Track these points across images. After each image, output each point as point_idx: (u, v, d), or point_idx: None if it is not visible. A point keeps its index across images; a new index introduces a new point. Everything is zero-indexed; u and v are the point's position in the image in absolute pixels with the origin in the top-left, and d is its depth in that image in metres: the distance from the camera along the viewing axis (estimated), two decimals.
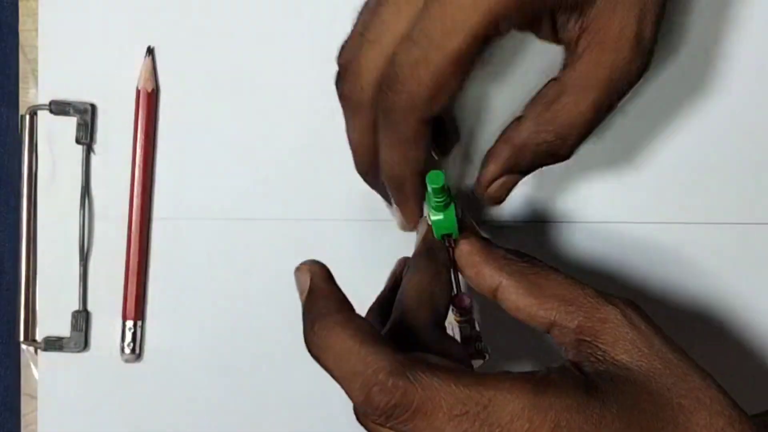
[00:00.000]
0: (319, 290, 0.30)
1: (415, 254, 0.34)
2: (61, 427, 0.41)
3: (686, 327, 0.41)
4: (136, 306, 0.40)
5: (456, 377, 0.27)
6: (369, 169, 0.34)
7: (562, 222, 0.40)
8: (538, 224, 0.40)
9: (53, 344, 0.40)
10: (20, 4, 0.41)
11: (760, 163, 0.40)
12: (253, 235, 0.41)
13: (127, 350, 0.40)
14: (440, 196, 0.32)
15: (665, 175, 0.40)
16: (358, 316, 0.29)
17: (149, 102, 0.40)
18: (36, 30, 0.40)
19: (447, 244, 0.33)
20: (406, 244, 0.41)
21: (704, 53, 0.39)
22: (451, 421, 0.26)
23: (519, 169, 0.33)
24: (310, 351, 0.29)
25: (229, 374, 0.41)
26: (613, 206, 0.40)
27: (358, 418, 0.29)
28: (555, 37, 0.33)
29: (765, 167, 0.40)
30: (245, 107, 0.40)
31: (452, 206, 0.33)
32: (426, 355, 0.28)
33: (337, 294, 0.30)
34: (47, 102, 0.40)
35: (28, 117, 0.40)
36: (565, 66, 0.32)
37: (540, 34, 0.33)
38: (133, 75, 0.40)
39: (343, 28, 0.40)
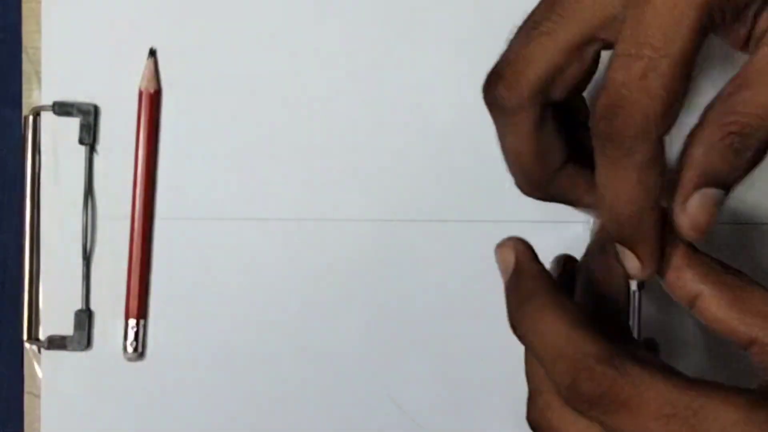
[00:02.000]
0: (527, 269, 0.29)
1: (587, 252, 0.31)
2: (65, 426, 0.41)
3: (683, 327, 0.41)
4: (139, 305, 0.40)
5: (666, 376, 0.26)
6: (538, 185, 0.31)
7: (562, 222, 0.40)
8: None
9: (56, 343, 0.40)
10: (23, 5, 0.41)
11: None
12: (256, 235, 0.41)
13: (130, 349, 0.40)
14: None
15: None
16: (569, 298, 0.28)
17: (152, 103, 0.40)
18: (39, 31, 0.41)
19: None
20: (406, 243, 0.41)
21: None
22: (657, 420, 0.25)
23: (717, 180, 0.28)
24: (515, 331, 0.28)
25: (231, 373, 0.41)
26: None
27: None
28: (747, 42, 0.28)
29: (763, 167, 0.40)
30: (248, 108, 0.41)
31: None
32: (635, 348, 0.27)
33: (545, 273, 0.29)
34: (50, 103, 0.40)
35: (31, 118, 0.41)
36: (747, 61, 0.28)
37: (736, 35, 0.28)
38: (136, 76, 0.40)
39: (344, 27, 0.40)
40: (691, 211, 0.28)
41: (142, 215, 0.40)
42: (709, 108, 0.28)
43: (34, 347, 0.41)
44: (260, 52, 0.41)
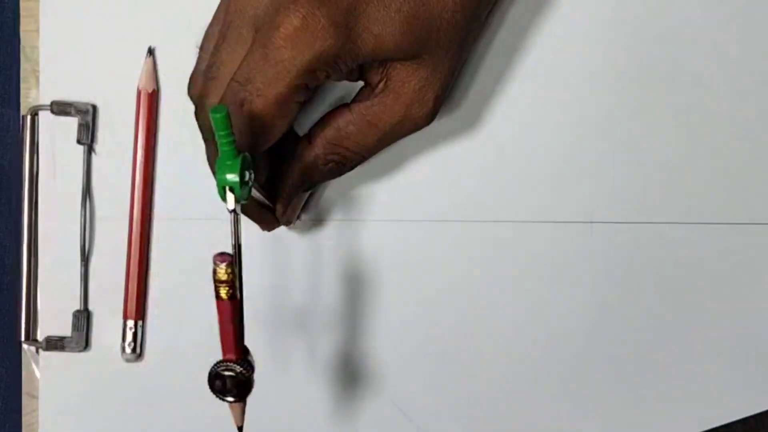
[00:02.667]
0: None
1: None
2: (62, 427, 0.41)
3: (685, 327, 0.41)
4: (137, 305, 0.40)
5: None
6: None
7: (562, 222, 0.40)
8: (547, 224, 0.41)
9: (54, 344, 0.40)
10: (21, 4, 0.41)
11: (758, 162, 0.40)
12: (254, 235, 0.41)
13: (128, 350, 0.40)
14: (224, 130, 0.31)
15: (661, 175, 0.40)
16: None
17: (150, 102, 0.40)
18: (37, 31, 0.41)
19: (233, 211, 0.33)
20: (407, 244, 0.41)
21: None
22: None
23: (306, 187, 0.38)
24: None
25: None
26: (611, 206, 0.40)
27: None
28: (359, 78, 0.36)
29: (763, 167, 0.40)
30: None
31: (241, 157, 0.32)
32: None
33: None
34: (48, 102, 0.40)
35: (29, 117, 0.40)
36: (359, 98, 0.36)
37: (346, 79, 0.35)
38: (134, 75, 0.40)
39: None
40: (281, 212, 0.38)
41: (140, 215, 0.40)
42: (319, 129, 0.36)
43: (32, 348, 0.41)
44: None
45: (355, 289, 0.41)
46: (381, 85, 0.35)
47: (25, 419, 0.41)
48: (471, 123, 0.40)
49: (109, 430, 0.41)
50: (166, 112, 0.41)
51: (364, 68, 0.35)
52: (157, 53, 0.40)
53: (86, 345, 0.41)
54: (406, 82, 0.35)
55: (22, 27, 0.41)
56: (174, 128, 0.41)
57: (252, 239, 0.41)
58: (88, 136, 0.40)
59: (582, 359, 0.41)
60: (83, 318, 0.40)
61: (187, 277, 0.41)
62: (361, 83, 0.36)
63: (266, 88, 0.32)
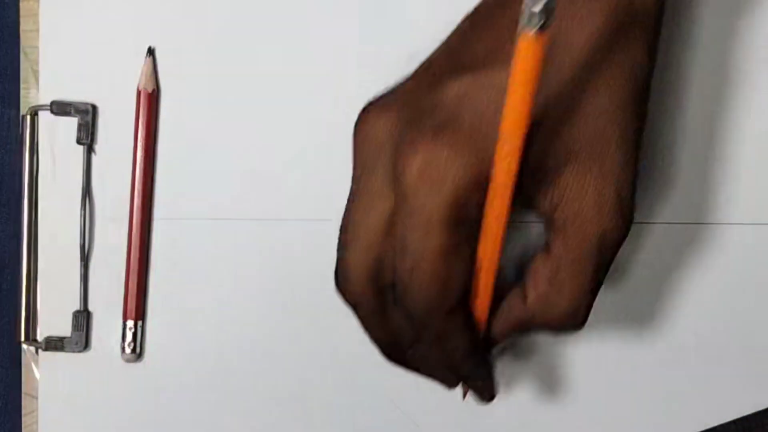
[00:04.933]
0: None
1: None
2: (62, 427, 0.41)
3: (685, 327, 0.41)
4: (137, 306, 0.40)
5: None
6: (397, 361, 0.35)
7: None
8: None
9: (54, 344, 0.40)
10: (21, 4, 0.41)
11: (758, 162, 0.40)
12: (255, 236, 0.41)
13: (128, 350, 0.40)
14: None
15: (662, 175, 0.40)
16: None
17: (150, 102, 0.40)
18: (37, 30, 0.41)
19: None
20: None
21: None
22: None
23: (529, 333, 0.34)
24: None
25: (229, 374, 0.41)
26: None
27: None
28: (531, 207, 0.32)
29: (763, 167, 0.40)
30: (246, 107, 0.40)
31: None
32: None
33: None
34: (48, 102, 0.40)
35: (29, 117, 0.40)
36: (552, 239, 0.32)
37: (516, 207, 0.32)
38: (134, 75, 0.40)
39: (344, 27, 0.40)
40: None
41: (140, 215, 0.40)
42: (530, 283, 0.32)
43: (32, 348, 0.41)
44: (259, 51, 0.40)
45: None
46: (558, 214, 0.31)
47: (25, 419, 0.41)
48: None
49: (109, 430, 0.41)
50: (166, 112, 0.41)
51: (532, 197, 0.31)
52: (157, 53, 0.40)
53: (86, 345, 0.41)
54: (583, 195, 0.30)
55: (22, 27, 0.41)
56: (174, 128, 0.41)
57: (252, 239, 0.41)
58: (87, 136, 0.40)
59: (581, 358, 0.41)
60: (83, 318, 0.40)
61: (187, 277, 0.41)
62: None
63: (424, 245, 0.30)
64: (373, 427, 0.41)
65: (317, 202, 0.41)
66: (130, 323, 0.40)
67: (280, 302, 0.41)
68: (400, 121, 0.31)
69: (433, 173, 0.29)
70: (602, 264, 0.32)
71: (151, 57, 0.40)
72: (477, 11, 0.32)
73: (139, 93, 0.40)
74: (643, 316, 0.41)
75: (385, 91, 0.33)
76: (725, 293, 0.41)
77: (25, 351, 0.41)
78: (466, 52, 0.31)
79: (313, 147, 0.40)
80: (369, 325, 0.34)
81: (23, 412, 0.41)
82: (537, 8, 0.24)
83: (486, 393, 0.35)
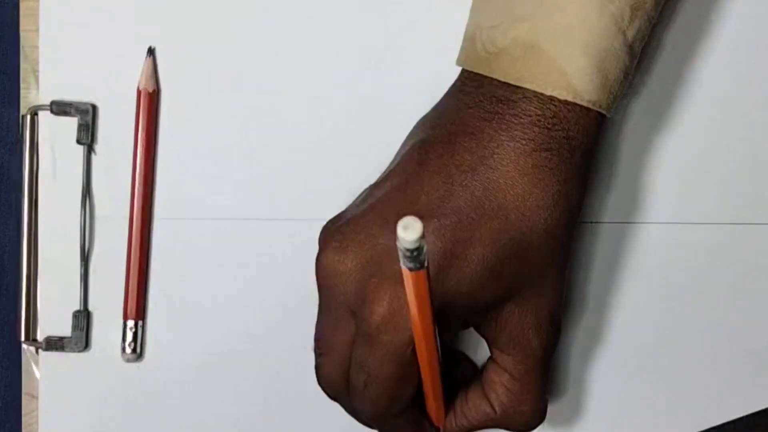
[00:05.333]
0: None
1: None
2: (62, 427, 0.41)
3: (684, 327, 0.41)
4: (137, 306, 0.40)
5: None
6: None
7: None
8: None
9: (54, 344, 0.40)
10: (21, 4, 0.41)
11: (759, 163, 0.40)
12: (254, 235, 0.41)
13: (128, 350, 0.40)
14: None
15: (663, 175, 0.40)
16: None
17: (150, 102, 0.40)
18: (37, 30, 0.40)
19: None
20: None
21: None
22: None
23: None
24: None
25: (230, 374, 0.41)
26: (610, 206, 0.40)
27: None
28: (476, 329, 0.36)
29: (763, 167, 0.40)
30: (246, 107, 0.40)
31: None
32: None
33: None
34: (48, 102, 0.40)
35: (29, 117, 0.40)
36: (499, 356, 0.35)
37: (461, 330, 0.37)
38: (134, 75, 0.40)
39: (344, 27, 0.40)
40: None
41: (140, 215, 0.40)
42: (491, 395, 0.36)
43: (32, 348, 0.41)
44: (259, 51, 0.40)
45: None
46: (502, 338, 0.35)
47: (25, 419, 0.41)
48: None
49: (109, 430, 0.41)
50: (166, 112, 0.41)
51: (475, 324, 0.36)
52: (158, 53, 0.40)
53: (86, 345, 0.41)
54: (523, 322, 0.34)
55: (22, 26, 0.41)
56: (174, 128, 0.41)
57: (252, 239, 0.41)
58: (88, 135, 0.40)
59: (581, 358, 0.41)
60: (83, 318, 0.40)
61: (187, 277, 0.41)
62: None
63: (380, 369, 0.33)
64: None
65: (317, 202, 0.41)
66: (130, 323, 0.40)
67: (280, 302, 0.41)
68: (358, 261, 0.33)
69: (396, 318, 0.32)
70: (547, 368, 0.36)
71: (151, 57, 0.40)
72: (425, 149, 0.34)
73: (139, 93, 0.40)
74: (643, 315, 0.41)
75: (340, 216, 0.36)
76: (725, 293, 0.41)
77: (25, 351, 0.41)
78: (415, 195, 0.33)
79: (313, 147, 0.40)
80: (349, 412, 0.37)
81: (23, 411, 0.41)
82: (408, 249, 0.25)
83: None
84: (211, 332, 0.41)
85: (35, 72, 0.41)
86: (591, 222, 0.40)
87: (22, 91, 0.41)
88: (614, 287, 0.41)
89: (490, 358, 0.36)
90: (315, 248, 0.41)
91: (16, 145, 0.41)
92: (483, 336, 0.36)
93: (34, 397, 0.41)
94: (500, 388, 0.36)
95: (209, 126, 0.41)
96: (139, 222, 0.40)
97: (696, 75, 0.40)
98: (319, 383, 0.37)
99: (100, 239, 0.41)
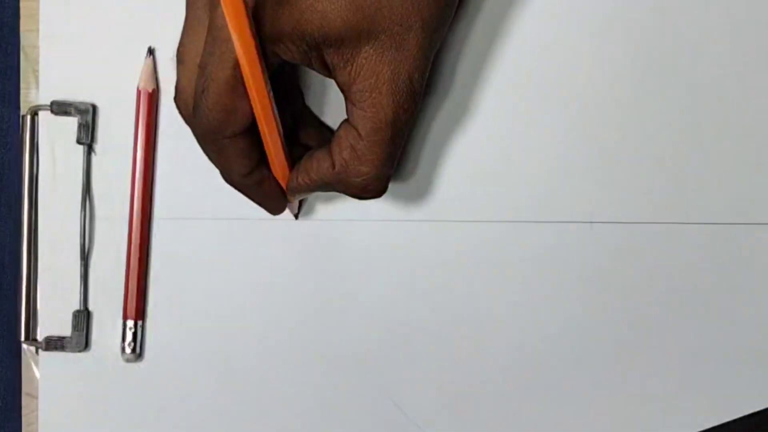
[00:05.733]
0: None
1: None
2: (62, 427, 0.41)
3: (684, 327, 0.41)
4: (137, 306, 0.40)
5: None
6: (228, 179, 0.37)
7: (562, 222, 0.40)
8: (547, 224, 0.41)
9: (54, 344, 0.40)
10: (21, 4, 0.41)
11: (758, 162, 0.40)
12: (254, 235, 0.41)
13: (128, 350, 0.40)
14: None
15: (661, 175, 0.40)
16: None
17: (150, 102, 0.40)
18: (37, 30, 0.41)
19: None
20: (405, 243, 0.41)
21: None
22: None
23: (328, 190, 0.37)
24: None
25: (229, 374, 0.41)
26: (608, 206, 0.40)
27: None
28: (329, 75, 0.35)
29: (763, 167, 0.40)
30: None
31: None
32: None
33: None
34: (48, 102, 0.40)
35: (29, 117, 0.40)
36: (351, 110, 0.35)
37: (315, 69, 0.35)
38: (134, 75, 0.40)
39: None
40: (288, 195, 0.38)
41: (140, 215, 0.40)
42: (335, 149, 0.35)
43: (32, 348, 0.41)
44: None
45: (351, 286, 0.41)
46: (356, 87, 0.34)
47: (25, 419, 0.41)
48: (467, 121, 0.40)
49: (109, 429, 0.41)
50: (166, 111, 0.41)
51: (332, 66, 0.34)
52: (157, 53, 0.40)
53: (86, 345, 0.41)
54: (379, 72, 0.34)
55: (22, 26, 0.41)
56: (174, 128, 0.41)
57: (251, 239, 0.41)
58: (87, 135, 0.40)
59: (581, 358, 0.41)
60: (83, 318, 0.40)
61: (187, 277, 0.41)
62: None
63: (217, 72, 0.32)
64: (373, 427, 0.41)
65: (317, 201, 0.41)
66: (130, 323, 0.40)
67: (279, 302, 0.41)
68: None
69: None
70: (396, 136, 0.35)
71: (151, 57, 0.40)
72: None
73: (139, 93, 0.40)
74: (643, 315, 0.41)
75: None
76: (725, 293, 0.41)
77: (25, 351, 0.41)
78: None
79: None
80: (202, 146, 0.36)
81: (23, 411, 0.41)
82: None
83: (271, 210, 0.39)
84: (210, 332, 0.41)
85: (35, 72, 0.41)
86: (590, 222, 0.40)
87: (22, 91, 0.41)
88: (613, 287, 0.40)
89: (345, 119, 0.36)
90: (315, 248, 0.41)
91: (16, 145, 0.41)
92: (339, 84, 0.35)
93: (34, 396, 0.41)
94: (345, 144, 0.35)
95: None
96: (139, 222, 0.40)
97: (677, 77, 0.40)
98: (175, 102, 0.36)
99: (100, 239, 0.41)
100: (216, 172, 0.40)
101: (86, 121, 0.40)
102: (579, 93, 0.40)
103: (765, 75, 0.40)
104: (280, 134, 0.35)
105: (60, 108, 0.40)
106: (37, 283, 0.41)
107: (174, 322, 0.41)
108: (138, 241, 0.40)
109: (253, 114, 0.34)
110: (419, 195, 0.41)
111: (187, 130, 0.40)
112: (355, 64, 0.34)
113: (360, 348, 0.41)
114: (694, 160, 0.40)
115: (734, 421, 0.41)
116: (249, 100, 0.33)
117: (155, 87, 0.40)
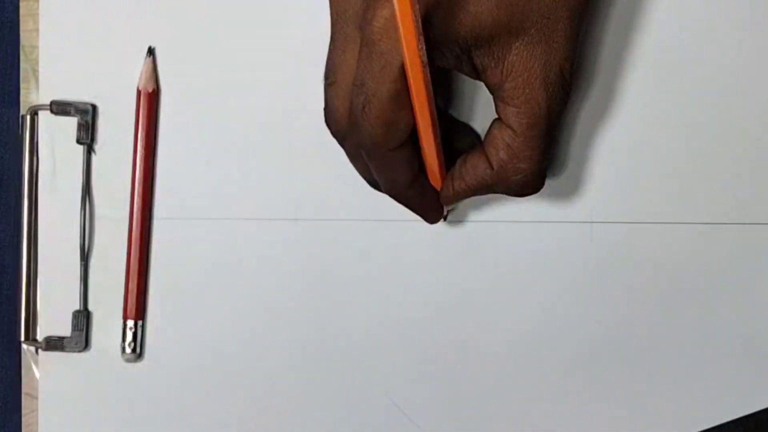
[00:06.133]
0: None
1: None
2: (62, 427, 0.41)
3: (684, 327, 0.41)
4: (137, 305, 0.40)
5: None
6: (377, 186, 0.38)
7: (562, 222, 0.40)
8: (547, 224, 0.41)
9: (54, 344, 0.40)
10: (21, 4, 0.41)
11: (758, 162, 0.40)
12: (254, 235, 0.41)
13: (128, 350, 0.40)
14: None
15: (661, 175, 0.40)
16: None
17: (150, 102, 0.40)
18: (37, 30, 0.41)
19: None
20: (406, 244, 0.41)
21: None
22: None
23: (484, 194, 0.37)
24: None
25: (229, 373, 0.41)
26: (609, 206, 0.40)
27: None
28: (478, 78, 0.35)
29: (763, 167, 0.40)
30: (246, 107, 0.40)
31: None
32: None
33: None
34: (48, 102, 0.40)
35: (29, 117, 0.40)
36: (503, 109, 0.35)
37: (464, 73, 0.35)
38: (134, 75, 0.40)
39: None
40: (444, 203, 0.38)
41: (140, 215, 0.40)
42: (490, 150, 0.35)
43: (32, 348, 0.41)
44: (259, 51, 0.40)
45: (351, 286, 0.41)
46: (508, 85, 0.34)
47: (25, 419, 0.41)
48: (467, 120, 0.40)
49: (109, 430, 0.41)
50: (166, 111, 0.41)
51: (482, 67, 0.34)
52: (157, 53, 0.40)
53: (86, 345, 0.41)
54: (530, 67, 0.34)
55: (22, 26, 0.41)
56: (174, 128, 0.41)
57: (251, 239, 0.41)
58: (87, 135, 0.40)
59: (581, 358, 0.41)
60: (83, 318, 0.40)
61: (186, 276, 0.41)
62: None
63: (378, 86, 0.32)
64: (373, 427, 0.41)
65: (317, 202, 0.41)
66: (129, 323, 0.40)
67: (279, 301, 0.41)
68: None
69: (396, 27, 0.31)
70: (552, 129, 0.35)
71: (151, 57, 0.40)
72: None
73: (139, 93, 0.40)
74: (643, 315, 0.41)
75: None
76: (725, 293, 0.41)
77: (25, 351, 0.41)
78: None
79: (313, 147, 0.40)
80: (352, 158, 0.37)
81: (23, 411, 0.41)
82: None
83: (431, 219, 0.39)
84: (210, 332, 0.41)
85: (35, 72, 0.41)
86: (590, 222, 0.40)
87: (22, 91, 0.41)
88: (613, 287, 0.41)
89: (495, 118, 0.36)
90: (315, 248, 0.41)
91: (15, 144, 0.41)
92: (489, 85, 0.35)
93: (34, 396, 0.41)
94: (501, 144, 0.35)
95: (209, 126, 0.41)
96: (139, 222, 0.40)
97: (691, 75, 0.40)
98: (327, 121, 0.36)
99: (100, 239, 0.41)
100: (215, 172, 0.41)
101: (86, 121, 0.40)
102: (579, 93, 0.40)
103: (765, 75, 0.40)
104: (438, 142, 0.35)
105: (60, 108, 0.40)
106: (36, 283, 0.41)
107: (174, 321, 0.41)
108: (138, 241, 0.40)
109: (414, 123, 0.34)
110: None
111: (187, 131, 0.40)
112: (506, 62, 0.34)
113: (360, 348, 0.41)
114: (695, 160, 0.40)
115: (733, 421, 0.41)
116: (410, 111, 0.33)
117: (155, 87, 0.40)
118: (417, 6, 0.30)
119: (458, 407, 0.41)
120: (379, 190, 0.37)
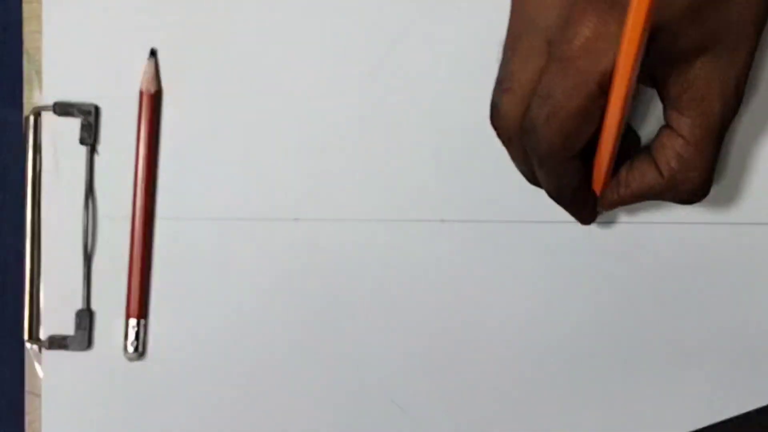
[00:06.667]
0: None
1: None
2: (65, 426, 0.41)
3: (684, 327, 0.41)
4: (140, 305, 0.40)
5: None
6: (537, 184, 0.38)
7: (562, 222, 0.40)
8: (547, 224, 0.41)
9: (57, 343, 0.41)
10: (24, 6, 0.41)
11: (758, 162, 0.40)
12: (256, 235, 0.41)
13: (131, 349, 0.41)
14: None
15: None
16: None
17: (152, 103, 0.40)
18: (40, 32, 0.41)
19: None
20: (406, 244, 0.41)
21: None
22: None
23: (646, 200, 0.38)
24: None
25: (232, 372, 0.41)
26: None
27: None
28: (654, 86, 0.36)
29: (763, 167, 0.40)
30: (248, 108, 0.41)
31: None
32: None
33: None
34: (51, 103, 0.40)
35: (32, 118, 0.41)
36: (676, 119, 0.35)
37: (639, 81, 0.35)
38: (137, 77, 0.40)
39: (345, 28, 0.40)
40: (604, 209, 0.38)
41: (142, 215, 0.40)
42: (659, 157, 0.36)
43: (35, 347, 0.41)
44: (261, 52, 0.41)
45: (351, 286, 0.41)
46: (686, 96, 0.34)
47: (28, 418, 0.41)
48: (470, 121, 0.40)
49: (112, 428, 0.41)
50: (169, 112, 0.41)
51: (662, 79, 0.35)
52: (160, 54, 0.41)
53: (89, 344, 0.41)
54: (711, 80, 0.34)
55: (25, 28, 0.41)
56: (176, 129, 0.41)
57: (253, 238, 0.41)
58: (90, 136, 0.40)
59: (580, 358, 0.41)
60: (86, 317, 0.41)
61: (189, 275, 0.41)
62: None
63: (568, 101, 0.33)
64: (373, 427, 0.41)
65: (317, 202, 0.41)
66: (132, 322, 0.40)
67: (281, 301, 0.41)
68: None
69: (599, 44, 0.32)
70: (721, 141, 0.35)
71: (153, 58, 0.40)
72: None
73: (141, 94, 0.40)
74: (643, 315, 0.41)
75: None
76: (724, 293, 0.41)
77: (28, 350, 0.41)
78: None
79: (314, 147, 0.41)
80: (515, 159, 0.37)
81: (26, 410, 0.41)
82: None
83: (586, 221, 0.39)
84: (213, 331, 0.41)
85: (38, 73, 0.41)
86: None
87: (25, 93, 0.41)
88: (612, 287, 0.41)
89: (663, 126, 0.36)
90: (315, 248, 0.41)
91: (19, 145, 0.41)
92: (664, 96, 0.35)
93: (37, 395, 0.41)
94: (671, 152, 0.35)
95: (211, 126, 0.41)
96: (142, 221, 0.40)
97: None
98: (495, 124, 0.36)
99: (103, 239, 0.41)
100: (217, 172, 0.41)
101: (89, 122, 0.40)
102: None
103: (764, 74, 0.40)
104: (615, 151, 0.35)
105: (63, 109, 0.40)
106: (40, 283, 0.41)
107: (177, 320, 0.41)
108: (140, 241, 0.40)
109: (592, 137, 0.34)
110: (420, 194, 0.41)
111: (189, 131, 0.41)
112: (688, 75, 0.34)
113: (360, 347, 0.41)
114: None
115: (731, 419, 0.41)
116: (594, 124, 0.34)
117: (158, 88, 0.40)
118: (648, 25, 0.29)
119: (459, 407, 0.41)
120: (540, 187, 0.38)
